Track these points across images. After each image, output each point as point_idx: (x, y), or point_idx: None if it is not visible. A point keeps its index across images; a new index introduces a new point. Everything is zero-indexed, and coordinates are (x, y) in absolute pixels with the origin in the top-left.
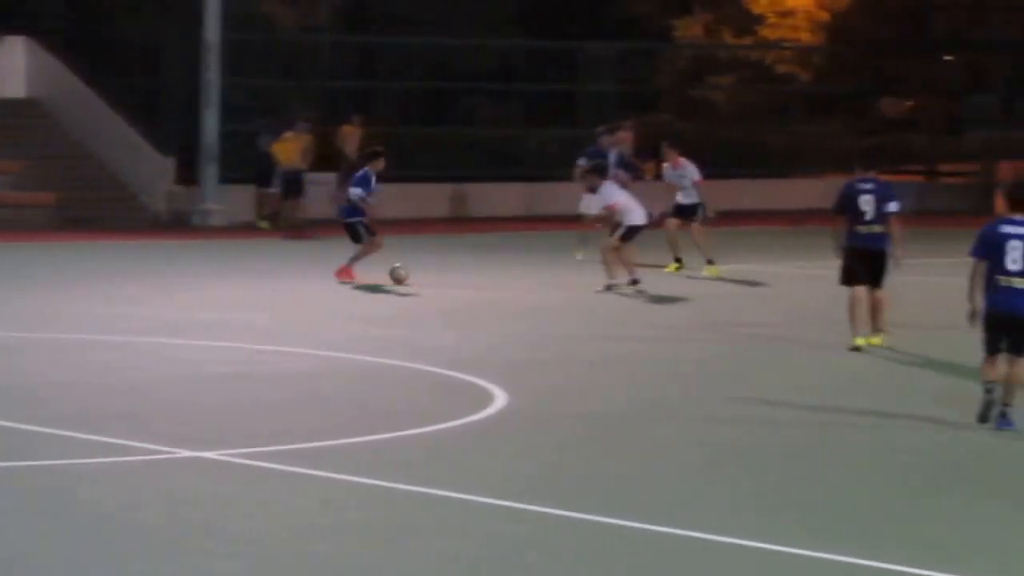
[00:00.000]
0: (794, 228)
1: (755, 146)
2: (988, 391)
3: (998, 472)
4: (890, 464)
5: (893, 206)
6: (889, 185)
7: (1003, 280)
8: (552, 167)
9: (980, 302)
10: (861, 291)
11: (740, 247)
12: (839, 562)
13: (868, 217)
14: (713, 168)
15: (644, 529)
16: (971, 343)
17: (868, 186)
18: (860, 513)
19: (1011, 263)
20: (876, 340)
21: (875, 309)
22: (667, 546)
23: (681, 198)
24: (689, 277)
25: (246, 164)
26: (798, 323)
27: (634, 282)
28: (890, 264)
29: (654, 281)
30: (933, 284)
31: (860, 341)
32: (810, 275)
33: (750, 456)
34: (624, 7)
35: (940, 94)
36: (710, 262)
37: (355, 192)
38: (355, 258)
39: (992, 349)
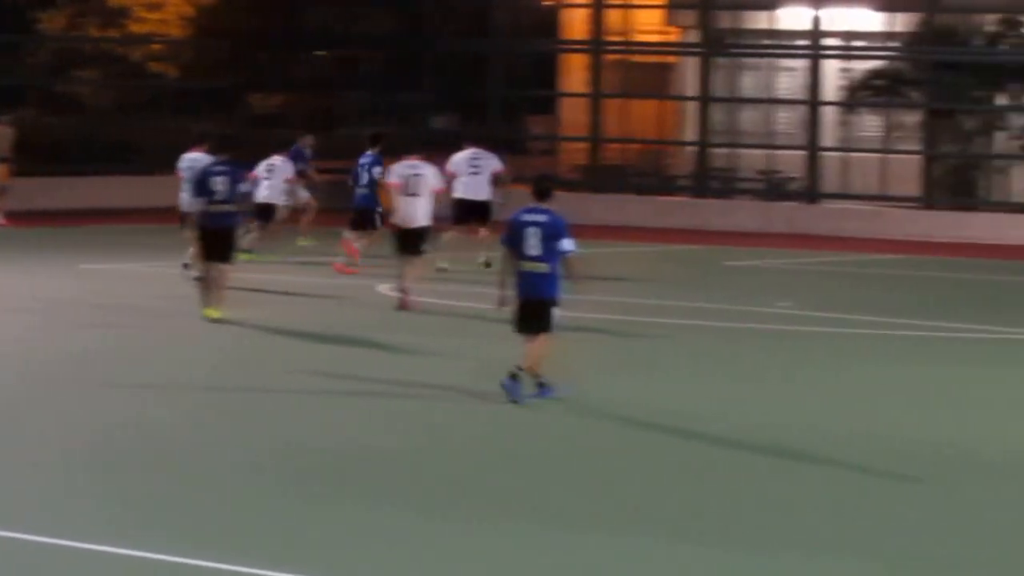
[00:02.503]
0: (161, 225)
1: (123, 142)
2: (513, 376)
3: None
4: (278, 455)
5: (244, 187)
6: (240, 168)
7: (524, 265)
8: None
9: (509, 288)
10: (210, 266)
11: (103, 246)
12: (198, 567)
13: (220, 196)
14: (77, 165)
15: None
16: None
17: (220, 168)
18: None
19: (529, 248)
20: (215, 313)
21: (216, 282)
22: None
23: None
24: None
25: None
26: (157, 317)
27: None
28: (237, 241)
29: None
30: (295, 281)
31: (212, 312)
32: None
33: (117, 459)
34: None
35: (311, 89)
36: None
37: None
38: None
39: (521, 329)
